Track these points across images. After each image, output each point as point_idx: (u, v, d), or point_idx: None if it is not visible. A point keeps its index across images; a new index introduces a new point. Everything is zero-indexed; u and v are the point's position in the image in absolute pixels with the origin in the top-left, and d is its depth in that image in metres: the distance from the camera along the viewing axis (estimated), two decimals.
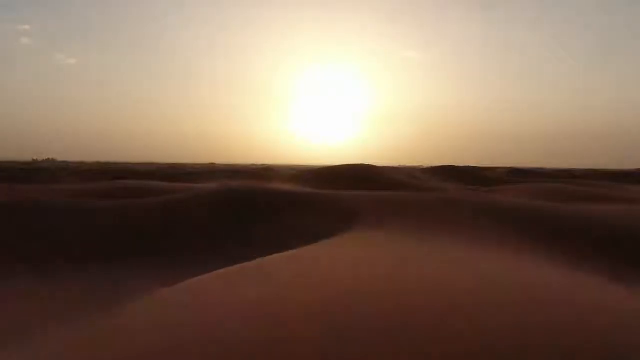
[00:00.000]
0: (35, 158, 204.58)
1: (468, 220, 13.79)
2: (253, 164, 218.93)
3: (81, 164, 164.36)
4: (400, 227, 12.20)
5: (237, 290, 5.73)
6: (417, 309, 4.50)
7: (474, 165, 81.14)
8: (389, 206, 15.87)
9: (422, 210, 14.94)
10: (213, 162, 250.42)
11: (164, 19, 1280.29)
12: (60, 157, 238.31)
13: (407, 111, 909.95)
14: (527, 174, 76.08)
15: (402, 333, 3.88)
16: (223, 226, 15.27)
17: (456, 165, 74.21)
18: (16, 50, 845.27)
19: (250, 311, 4.64)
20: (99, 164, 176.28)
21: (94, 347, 4.39)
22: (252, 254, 9.24)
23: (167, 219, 15.92)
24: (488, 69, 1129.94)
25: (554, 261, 10.00)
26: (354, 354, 3.54)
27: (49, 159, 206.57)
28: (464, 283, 5.84)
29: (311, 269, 6.87)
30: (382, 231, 11.67)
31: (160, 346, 3.95)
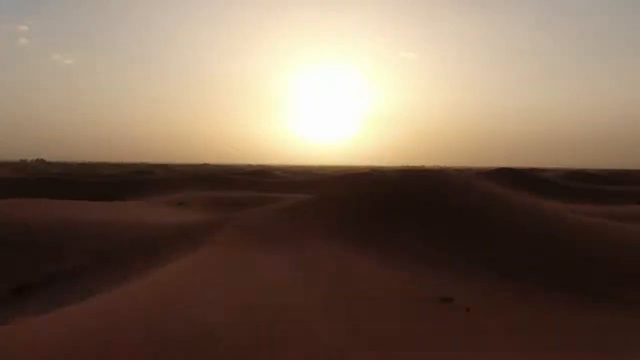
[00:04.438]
0: (23, 159, 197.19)
1: None
2: (249, 164, 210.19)
3: (64, 165, 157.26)
4: None
5: None
6: None
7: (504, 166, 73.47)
8: None
9: None
10: (206, 162, 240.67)
11: (162, 19, 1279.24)
12: (54, 157, 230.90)
13: (406, 111, 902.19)
14: (589, 179, 66.62)
15: None
16: None
17: (508, 167, 67.43)
18: (14, 51, 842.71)
19: None
20: (84, 165, 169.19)
21: None
22: None
23: None
24: (487, 69, 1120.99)
25: None
26: None
27: (38, 159, 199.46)
28: None
29: None
30: None
31: None
